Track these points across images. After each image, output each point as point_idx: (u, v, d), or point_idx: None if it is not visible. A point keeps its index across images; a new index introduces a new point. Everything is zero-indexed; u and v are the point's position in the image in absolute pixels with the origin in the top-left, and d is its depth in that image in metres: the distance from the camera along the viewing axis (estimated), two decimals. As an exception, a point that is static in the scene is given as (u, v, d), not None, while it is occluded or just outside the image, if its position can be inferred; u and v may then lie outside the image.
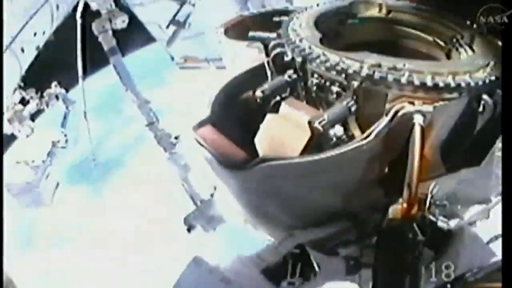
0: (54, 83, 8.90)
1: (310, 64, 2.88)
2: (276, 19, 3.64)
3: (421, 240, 2.81)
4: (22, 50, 7.33)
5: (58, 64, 8.59)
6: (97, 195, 11.24)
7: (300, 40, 3.01)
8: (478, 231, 3.51)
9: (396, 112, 2.58)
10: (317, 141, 2.75)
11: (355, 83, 2.68)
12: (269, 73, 3.31)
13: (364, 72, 2.64)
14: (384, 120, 2.53)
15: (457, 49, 3.41)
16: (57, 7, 7.91)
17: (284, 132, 2.84)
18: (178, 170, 8.58)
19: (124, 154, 11.76)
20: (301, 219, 3.19)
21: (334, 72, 2.77)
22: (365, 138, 2.51)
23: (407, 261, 2.80)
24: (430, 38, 3.59)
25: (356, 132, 2.83)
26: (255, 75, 3.35)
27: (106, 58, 8.59)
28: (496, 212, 3.36)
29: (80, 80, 8.76)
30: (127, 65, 8.66)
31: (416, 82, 2.59)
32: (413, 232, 2.77)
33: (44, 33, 7.89)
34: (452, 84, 2.64)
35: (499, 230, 3.20)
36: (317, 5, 3.63)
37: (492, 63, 2.88)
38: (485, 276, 2.90)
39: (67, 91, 9.16)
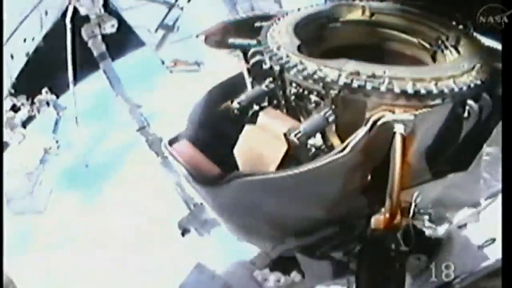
0: (44, 89, 8.83)
1: (288, 73, 2.79)
2: (257, 24, 3.54)
3: (404, 250, 2.70)
4: (12, 57, 7.25)
5: (48, 70, 8.52)
6: (91, 200, 11.20)
7: (278, 48, 2.92)
8: (471, 234, 3.41)
9: (375, 122, 2.48)
10: (295, 152, 2.65)
11: (333, 92, 2.58)
12: (248, 82, 3.21)
13: (342, 80, 2.55)
14: (362, 132, 2.45)
15: (442, 51, 3.32)
16: (46, 13, 7.85)
17: (262, 143, 2.77)
18: (170, 174, 8.50)
19: (116, 158, 11.71)
20: (285, 230, 3.11)
21: (311, 81, 2.68)
22: (341, 151, 2.42)
23: (390, 272, 2.70)
24: (415, 40, 3.51)
25: (336, 142, 2.75)
26: (235, 84, 3.26)
27: (97, 62, 8.51)
28: (488, 214, 3.32)
29: (71, 85, 8.68)
30: (117, 69, 8.59)
31: (396, 90, 2.50)
32: (396, 243, 2.67)
33: (33, 39, 7.83)
34: (435, 91, 2.55)
35: (492, 233, 3.18)
36: (298, 9, 3.52)
37: (478, 66, 2.80)
38: (472, 284, 2.81)
39: (57, 97, 9.08)
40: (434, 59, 3.38)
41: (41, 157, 9.20)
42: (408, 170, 2.70)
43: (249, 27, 3.62)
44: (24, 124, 8.87)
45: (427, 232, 3.08)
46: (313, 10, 3.51)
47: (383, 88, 2.49)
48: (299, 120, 2.93)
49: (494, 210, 3.19)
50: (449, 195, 3.11)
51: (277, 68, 2.84)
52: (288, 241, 3.09)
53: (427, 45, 3.40)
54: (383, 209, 2.71)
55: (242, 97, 2.94)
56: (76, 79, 8.52)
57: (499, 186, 3.15)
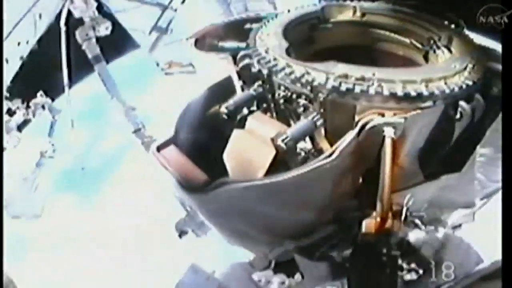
0: (39, 93, 8.77)
1: (276, 76, 2.75)
2: (247, 27, 3.50)
3: (396, 254, 2.66)
4: (6, 61, 7.22)
5: (43, 73, 8.48)
6: (88, 203, 11.14)
7: (266, 51, 2.88)
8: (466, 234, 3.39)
9: (364, 126, 2.44)
10: (284, 157, 2.61)
11: (321, 96, 2.54)
12: (237, 85, 3.17)
13: (330, 84, 2.50)
14: (349, 136, 2.41)
15: (434, 51, 3.29)
16: (40, 16, 7.81)
17: (250, 148, 2.73)
18: (167, 176, 8.44)
19: (113, 161, 11.64)
20: (276, 234, 3.08)
21: (299, 85, 2.64)
22: (329, 156, 2.38)
23: (382, 276, 2.66)
24: (407, 40, 3.47)
25: (325, 146, 2.71)
26: (224, 88, 3.22)
27: (91, 65, 8.47)
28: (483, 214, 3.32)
29: (66, 88, 8.63)
30: (112, 72, 8.53)
31: (386, 93, 2.46)
32: (387, 247, 2.63)
33: (27, 42, 7.78)
34: (425, 93, 2.51)
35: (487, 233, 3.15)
36: (288, 11, 3.48)
37: (470, 66, 2.76)
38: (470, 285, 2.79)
39: (53, 100, 9.03)
40: (426, 59, 3.34)
41: (37, 160, 9.15)
42: (400, 172, 2.67)
43: (239, 29, 3.58)
44: (20, 128, 8.82)
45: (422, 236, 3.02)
46: (303, 11, 3.47)
47: (372, 91, 2.45)
48: (289, 124, 2.88)
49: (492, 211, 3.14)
50: (443, 196, 3.07)
51: (265, 71, 2.79)
52: (286, 243, 3.06)
53: (419, 45, 3.37)
54: (374, 213, 2.65)
55: (230, 101, 2.90)
56: (71, 82, 8.46)
57: (494, 186, 3.13)
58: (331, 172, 2.42)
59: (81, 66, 8.30)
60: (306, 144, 2.77)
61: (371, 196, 2.65)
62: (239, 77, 3.15)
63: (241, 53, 3.08)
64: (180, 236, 9.17)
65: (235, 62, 3.19)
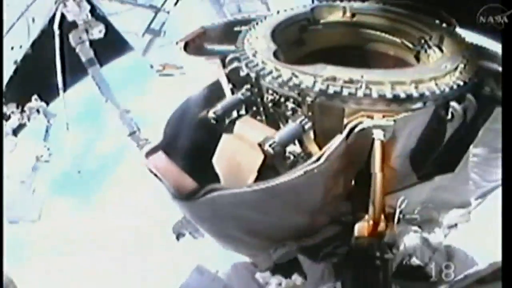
0: (34, 97, 8.74)
1: (264, 80, 2.71)
2: (237, 29, 3.47)
3: (389, 258, 2.63)
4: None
5: (37, 77, 8.45)
6: (85, 206, 11.14)
7: (254, 54, 2.85)
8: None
9: (352, 129, 2.40)
10: (272, 161, 2.58)
11: (309, 99, 2.50)
12: (226, 89, 3.14)
13: (318, 87, 2.47)
14: (337, 140, 2.37)
15: (426, 51, 3.26)
16: (33, 20, 7.79)
17: (239, 153, 2.70)
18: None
19: (109, 163, 11.66)
20: (269, 239, 3.05)
21: (287, 88, 2.60)
22: (317, 160, 2.34)
23: (375, 280, 2.63)
24: (398, 40, 3.44)
25: (314, 149, 2.68)
26: (213, 92, 3.18)
27: (86, 68, 8.44)
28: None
29: (60, 92, 8.60)
30: (106, 74, 8.50)
31: (374, 95, 2.42)
32: (380, 250, 2.59)
33: (21, 47, 7.76)
34: (415, 94, 2.46)
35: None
36: (277, 12, 3.44)
37: (461, 65, 2.72)
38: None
39: (47, 104, 9.00)
40: (417, 59, 3.31)
41: (33, 165, 9.11)
42: (392, 174, 2.64)
43: (230, 32, 3.55)
44: (15, 132, 8.79)
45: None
46: (292, 13, 3.44)
47: (360, 93, 2.42)
48: (278, 127, 2.85)
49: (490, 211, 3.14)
50: (437, 197, 3.06)
51: (253, 75, 2.76)
52: (289, 243, 3.02)
53: (410, 45, 3.33)
54: (367, 216, 2.62)
55: (218, 106, 2.88)
56: (65, 85, 8.43)
57: (489, 186, 3.15)
58: (320, 176, 2.39)
59: (75, 69, 8.27)
60: (295, 148, 2.72)
61: (364, 199, 2.60)
62: (229, 81, 3.10)
63: (230, 56, 3.04)
64: (177, 238, 9.14)
65: (224, 66, 3.13)
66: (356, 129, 2.37)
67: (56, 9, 7.70)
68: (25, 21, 7.52)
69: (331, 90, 2.42)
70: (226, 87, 3.11)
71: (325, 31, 3.52)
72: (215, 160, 2.82)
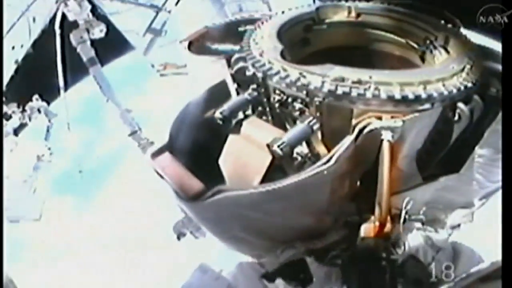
0: (35, 96, 8.72)
1: (271, 80, 2.70)
2: (241, 29, 3.45)
3: (396, 259, 2.62)
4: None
5: (38, 76, 8.43)
6: (86, 205, 11.12)
7: (261, 54, 2.83)
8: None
9: (362, 130, 2.40)
10: (280, 162, 2.57)
11: (317, 100, 2.49)
12: (232, 89, 3.13)
13: (326, 87, 2.46)
14: (347, 141, 2.37)
15: (431, 51, 3.25)
16: (34, 19, 7.77)
17: (246, 154, 2.69)
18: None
19: (110, 163, 11.63)
20: (275, 240, 3.05)
21: (294, 89, 2.59)
22: (326, 162, 2.33)
23: (381, 281, 2.62)
24: (403, 41, 3.42)
25: (322, 150, 2.68)
26: (219, 92, 3.17)
27: (87, 67, 8.42)
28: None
29: (61, 91, 8.58)
30: (107, 74, 8.48)
31: (383, 96, 2.41)
32: (387, 251, 2.59)
33: (22, 46, 7.75)
34: (423, 95, 2.46)
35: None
36: (282, 12, 3.43)
37: (468, 66, 2.72)
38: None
39: (48, 103, 8.98)
40: (423, 59, 3.30)
41: (34, 164, 9.10)
42: (398, 175, 2.64)
43: (234, 31, 3.53)
44: (16, 132, 8.77)
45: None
46: (297, 13, 3.42)
47: (369, 94, 2.41)
48: (285, 127, 2.84)
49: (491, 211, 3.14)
50: (441, 197, 3.05)
51: (260, 75, 2.75)
52: (297, 245, 3.02)
53: (415, 46, 3.32)
54: (372, 217, 2.61)
55: (224, 107, 2.86)
56: (66, 85, 8.41)
57: (493, 187, 3.14)
58: (328, 177, 2.39)
59: (76, 69, 8.25)
60: (302, 148, 2.72)
61: (369, 199, 2.60)
62: (234, 81, 3.08)
63: (235, 56, 3.03)
64: (178, 238, 9.13)
65: (230, 65, 3.12)
66: (365, 130, 2.37)
67: (57, 9, 7.65)
68: (26, 20, 7.49)
69: (339, 91, 2.42)
70: (232, 87, 3.08)
71: (330, 31, 3.51)
72: (221, 161, 2.82)
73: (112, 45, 8.41)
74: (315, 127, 2.55)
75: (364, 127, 2.39)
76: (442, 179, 2.91)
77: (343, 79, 2.44)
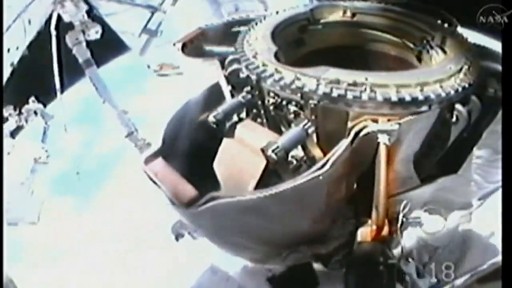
0: (31, 99, 8.69)
1: (265, 83, 2.65)
2: (235, 29, 3.41)
3: (394, 263, 2.58)
4: (-4, 66, 7.15)
5: (34, 78, 8.39)
6: (84, 207, 11.08)
7: (254, 56, 2.79)
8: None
9: (357, 133, 2.35)
10: (275, 166, 2.53)
11: (312, 103, 2.45)
12: (226, 91, 3.08)
13: (321, 90, 2.41)
14: (342, 145, 2.32)
15: (428, 52, 3.21)
16: (29, 21, 7.71)
17: (241, 158, 2.65)
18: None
19: (108, 164, 11.58)
20: (274, 245, 3.02)
21: (289, 91, 2.54)
22: (321, 167, 2.28)
23: (380, 286, 2.58)
24: (399, 41, 3.38)
25: (317, 154, 2.63)
26: (213, 94, 3.13)
27: (83, 69, 8.39)
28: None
29: (58, 93, 8.55)
30: (103, 75, 8.44)
31: (379, 98, 2.37)
32: (384, 255, 2.54)
33: (17, 48, 7.69)
34: (420, 97, 2.41)
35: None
36: (277, 12, 3.38)
37: (465, 67, 2.67)
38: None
39: (45, 105, 8.95)
40: (419, 59, 3.27)
41: (32, 166, 9.07)
42: (395, 177, 2.60)
43: (228, 32, 3.49)
44: (13, 134, 8.74)
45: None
46: (292, 13, 3.38)
47: (365, 96, 2.36)
48: (280, 130, 2.80)
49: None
50: (440, 198, 2.99)
51: (254, 77, 2.70)
52: (303, 249, 2.98)
53: (412, 45, 3.28)
54: (370, 221, 2.57)
55: (218, 110, 2.82)
56: (63, 87, 8.37)
57: (491, 187, 3.12)
58: (324, 181, 2.34)
59: (72, 71, 8.21)
60: (298, 152, 2.67)
61: (367, 202, 2.57)
62: (228, 83, 3.04)
63: (229, 58, 2.99)
64: (176, 239, 9.08)
65: (224, 67, 3.08)
66: (361, 134, 2.33)
67: (53, 10, 7.62)
68: (21, 22, 7.45)
69: (335, 93, 2.37)
70: (226, 89, 3.04)
71: (325, 31, 3.47)
72: (215, 165, 2.78)
73: (108, 46, 8.37)
74: (310, 131, 2.50)
75: (360, 130, 2.35)
76: (440, 180, 2.87)
77: (338, 81, 2.40)
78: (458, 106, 2.51)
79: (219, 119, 2.76)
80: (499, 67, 2.86)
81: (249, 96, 2.81)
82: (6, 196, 7.92)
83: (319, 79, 2.43)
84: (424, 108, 2.45)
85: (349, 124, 2.42)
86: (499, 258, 2.74)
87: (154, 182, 2.73)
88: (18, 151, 8.23)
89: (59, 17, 7.51)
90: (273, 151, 2.36)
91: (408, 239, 2.93)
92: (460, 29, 3.25)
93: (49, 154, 8.70)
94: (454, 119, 2.57)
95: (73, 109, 9.41)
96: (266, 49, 2.80)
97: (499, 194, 3.06)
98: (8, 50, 7.22)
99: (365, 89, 2.36)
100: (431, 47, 3.11)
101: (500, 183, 3.07)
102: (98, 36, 7.72)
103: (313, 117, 2.49)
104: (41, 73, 8.00)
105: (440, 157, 2.84)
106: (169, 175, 2.71)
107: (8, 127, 8.25)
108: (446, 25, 3.20)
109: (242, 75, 2.80)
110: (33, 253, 10.45)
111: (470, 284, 2.65)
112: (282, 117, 2.71)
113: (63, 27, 7.60)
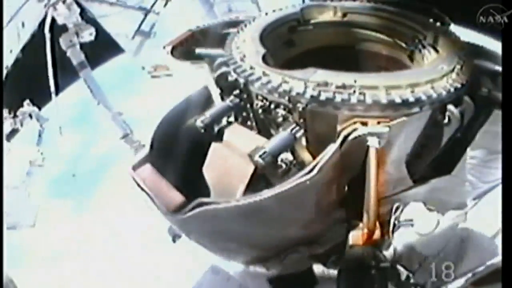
0: (26, 102, 8.66)
1: (253, 86, 2.60)
2: (225, 31, 3.37)
3: (386, 266, 2.54)
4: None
5: (28, 81, 8.36)
6: (81, 209, 11.08)
7: (242, 59, 2.74)
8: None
9: (346, 136, 2.30)
10: (264, 171, 2.48)
11: (300, 106, 2.40)
12: (214, 95, 3.04)
13: (309, 93, 2.36)
14: (330, 150, 2.27)
15: (420, 51, 3.16)
16: (23, 24, 7.70)
17: (229, 163, 2.62)
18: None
19: (103, 166, 11.58)
20: (265, 248, 2.99)
21: (276, 95, 2.50)
22: (309, 172, 2.23)
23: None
24: (391, 40, 3.33)
25: (307, 157, 2.59)
26: (201, 98, 3.08)
27: (77, 71, 8.36)
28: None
29: (53, 96, 8.52)
30: (97, 77, 8.42)
31: (369, 100, 2.32)
32: (376, 259, 2.50)
33: (11, 51, 7.67)
34: (411, 99, 2.36)
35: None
36: (266, 14, 3.34)
37: (458, 66, 2.63)
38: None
39: (40, 108, 8.92)
40: (411, 59, 3.21)
41: (27, 170, 9.05)
42: (387, 179, 2.57)
43: (219, 34, 3.45)
44: (8, 138, 8.71)
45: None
46: (281, 14, 3.33)
47: (353, 99, 2.31)
48: (270, 133, 2.75)
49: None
50: (433, 199, 2.92)
51: (242, 80, 2.65)
52: (301, 249, 2.93)
53: (404, 45, 3.23)
54: (361, 225, 2.53)
55: (206, 114, 2.79)
56: (57, 89, 8.34)
57: (485, 187, 3.08)
58: (313, 187, 2.30)
59: (67, 73, 8.17)
60: (287, 155, 2.62)
61: (357, 205, 2.53)
62: (217, 86, 3.00)
63: (218, 61, 2.94)
64: (173, 240, 9.05)
65: (213, 70, 3.04)
66: (350, 137, 2.27)
67: (46, 13, 7.58)
68: (14, 26, 7.42)
69: (323, 97, 2.32)
70: (215, 92, 2.99)
71: (315, 32, 3.42)
72: (204, 170, 2.75)
73: (102, 48, 8.33)
74: (298, 135, 2.46)
75: (349, 134, 2.28)
76: (434, 181, 2.82)
77: (326, 84, 2.35)
78: (450, 107, 2.46)
79: (207, 124, 2.72)
80: (492, 66, 2.82)
81: (237, 100, 2.76)
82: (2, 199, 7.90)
83: (306, 82, 2.37)
84: (415, 109, 2.39)
85: (338, 127, 2.36)
86: (497, 259, 2.70)
87: (142, 189, 2.66)
88: (13, 154, 8.19)
89: (53, 20, 7.44)
90: (260, 156, 2.32)
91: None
92: (460, 29, 3.21)
93: (44, 156, 8.67)
94: (446, 120, 2.49)
95: (68, 112, 9.39)
96: (254, 52, 2.76)
97: (499, 194, 3.02)
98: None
99: (354, 92, 2.32)
100: (423, 47, 3.07)
101: (495, 183, 3.05)
102: (92, 38, 7.69)
103: (301, 121, 2.45)
104: (35, 76, 7.98)
105: (434, 158, 2.78)
106: (157, 182, 2.67)
107: (3, 130, 8.20)
108: (438, 24, 3.12)
109: (230, 79, 2.73)
110: (30, 255, 10.43)
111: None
112: (271, 121, 2.67)
113: (57, 29, 7.53)
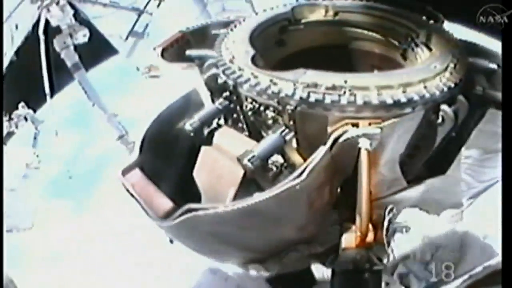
0: (21, 104, 8.63)
1: (242, 88, 2.55)
2: (215, 32, 3.32)
3: (379, 269, 2.50)
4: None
5: (23, 84, 8.33)
6: (78, 211, 11.04)
7: (231, 60, 2.69)
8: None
9: (337, 139, 2.25)
10: (254, 174, 2.45)
11: (289, 108, 2.35)
12: (203, 97, 3.00)
13: (298, 95, 2.31)
14: (320, 152, 2.22)
15: (413, 49, 3.11)
16: (16, 26, 7.67)
17: (219, 166, 2.59)
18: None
19: (100, 167, 11.55)
20: (258, 251, 2.97)
21: (265, 97, 2.45)
22: (299, 175, 2.18)
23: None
24: (383, 38, 3.28)
25: (297, 160, 2.55)
26: (191, 100, 3.04)
27: (71, 73, 8.34)
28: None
29: (48, 98, 8.48)
30: (92, 78, 8.40)
31: (359, 102, 2.26)
32: (370, 262, 2.45)
33: (5, 54, 7.64)
34: (403, 99, 2.30)
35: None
36: (256, 13, 3.30)
37: (451, 65, 2.57)
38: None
39: (35, 110, 8.89)
40: (404, 57, 3.16)
41: (24, 172, 9.03)
42: (380, 181, 2.52)
43: (210, 35, 3.41)
44: (4, 141, 8.69)
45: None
46: (272, 14, 3.28)
47: (344, 100, 2.26)
48: (261, 135, 2.71)
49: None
50: (429, 199, 2.94)
51: (231, 82, 2.61)
52: (301, 248, 2.91)
53: (396, 43, 3.18)
54: (354, 227, 2.48)
55: (195, 118, 2.76)
56: (52, 91, 8.31)
57: (481, 186, 3.08)
58: (304, 190, 2.24)
59: (61, 75, 8.14)
60: (278, 157, 2.58)
61: (350, 207, 2.46)
62: (208, 88, 2.96)
63: (207, 62, 2.90)
64: (171, 241, 9.01)
65: (203, 71, 3.00)
66: (341, 139, 2.22)
67: (40, 15, 7.55)
68: (8, 28, 7.39)
69: (312, 98, 2.27)
70: (204, 94, 2.95)
71: (306, 31, 3.37)
72: (195, 173, 2.73)
73: (96, 49, 8.30)
74: (287, 137, 2.41)
75: (340, 136, 2.23)
76: (428, 181, 2.78)
77: (316, 85, 2.30)
78: (443, 107, 2.40)
79: (196, 127, 2.69)
80: (487, 64, 2.78)
81: (226, 102, 2.72)
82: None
83: (296, 83, 2.32)
84: (408, 110, 2.34)
85: (329, 129, 2.31)
86: (494, 261, 2.67)
87: (131, 195, 2.62)
88: (9, 157, 8.16)
89: (47, 22, 7.42)
90: (249, 160, 2.28)
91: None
92: (460, 29, 3.19)
93: (40, 159, 8.64)
94: (440, 120, 2.45)
95: (63, 113, 9.35)
96: (244, 53, 2.71)
97: (498, 194, 2.99)
98: (-5, 55, 7.17)
99: (344, 93, 2.26)
100: (416, 45, 3.02)
101: (490, 182, 3.05)
102: (86, 39, 7.67)
103: (291, 123, 2.40)
104: (30, 78, 7.94)
105: (428, 158, 2.73)
106: (145, 187, 2.63)
107: (-2, 133, 8.18)
108: (431, 21, 3.08)
109: (220, 81, 2.69)
110: (30, 256, 10.41)
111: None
112: (262, 123, 2.63)
113: (51, 31, 7.50)
